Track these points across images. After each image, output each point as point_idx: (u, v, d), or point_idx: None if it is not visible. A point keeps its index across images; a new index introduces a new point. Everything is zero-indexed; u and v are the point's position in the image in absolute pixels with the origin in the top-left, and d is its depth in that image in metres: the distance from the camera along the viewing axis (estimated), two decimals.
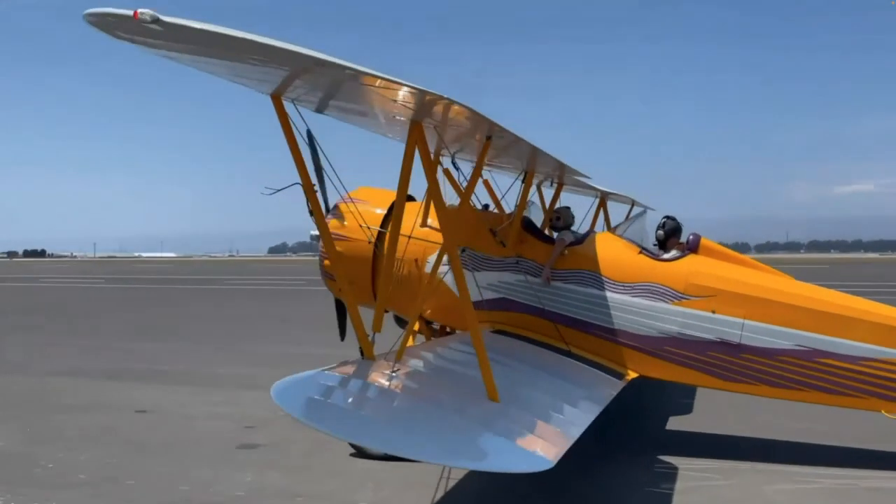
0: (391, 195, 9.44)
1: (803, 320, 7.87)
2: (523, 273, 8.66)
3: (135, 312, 27.74)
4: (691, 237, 8.59)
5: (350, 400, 5.30)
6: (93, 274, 65.41)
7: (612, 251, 8.56)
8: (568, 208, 9.40)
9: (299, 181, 5.72)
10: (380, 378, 5.68)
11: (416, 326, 9.32)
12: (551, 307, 8.52)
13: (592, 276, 8.45)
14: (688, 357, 8.13)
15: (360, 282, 9.36)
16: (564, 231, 8.86)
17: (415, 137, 5.52)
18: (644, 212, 9.93)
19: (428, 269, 9.14)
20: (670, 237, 8.78)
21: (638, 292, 8.28)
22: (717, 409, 10.56)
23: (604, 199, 12.59)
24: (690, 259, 8.38)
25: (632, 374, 8.33)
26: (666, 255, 8.53)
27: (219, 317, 25.98)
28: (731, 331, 7.95)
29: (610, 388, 7.47)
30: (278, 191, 5.80)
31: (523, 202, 8.89)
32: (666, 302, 8.17)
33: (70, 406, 11.28)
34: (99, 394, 12.22)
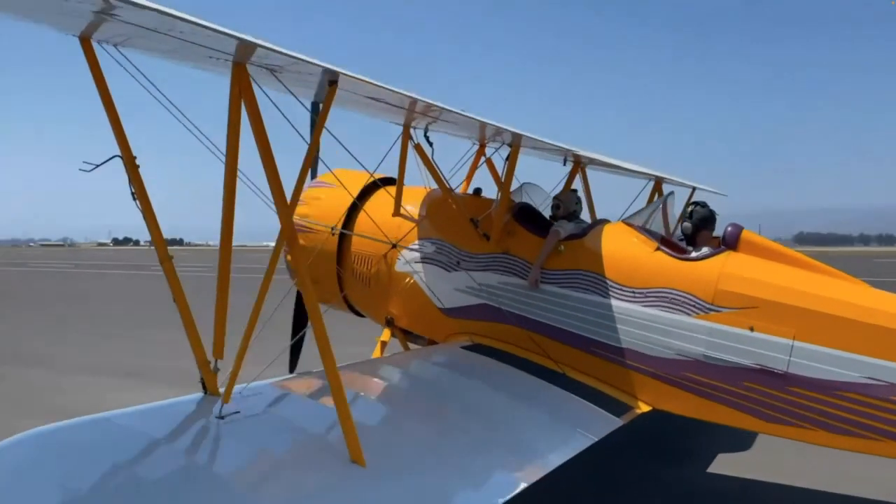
0: (365, 178, 7.95)
1: (877, 344, 5.69)
2: (508, 273, 6.94)
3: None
4: (729, 229, 6.49)
5: (112, 470, 3.55)
6: (200, 262, 67.23)
7: (620, 247, 6.66)
8: (574, 192, 7.56)
9: (119, 154, 4.35)
10: (190, 427, 4.17)
11: (388, 337, 7.82)
12: (540, 317, 6.76)
13: (593, 279, 6.60)
14: (715, 388, 6.15)
15: (325, 281, 7.97)
16: (561, 221, 7.01)
17: (237, 81, 4.10)
18: (671, 195, 7.86)
19: (400, 266, 7.61)
20: (700, 229, 6.72)
21: (652, 301, 6.36)
22: (778, 449, 8.36)
23: (659, 184, 10.50)
24: (725, 258, 6.32)
25: (643, 407, 6.44)
26: (693, 254, 6.54)
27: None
28: (775, 355, 5.89)
29: (591, 433, 5.53)
30: (98, 166, 4.42)
31: (507, 185, 7.12)
32: (688, 314, 6.21)
33: (57, 410, 10.31)
34: (98, 395, 11.36)
